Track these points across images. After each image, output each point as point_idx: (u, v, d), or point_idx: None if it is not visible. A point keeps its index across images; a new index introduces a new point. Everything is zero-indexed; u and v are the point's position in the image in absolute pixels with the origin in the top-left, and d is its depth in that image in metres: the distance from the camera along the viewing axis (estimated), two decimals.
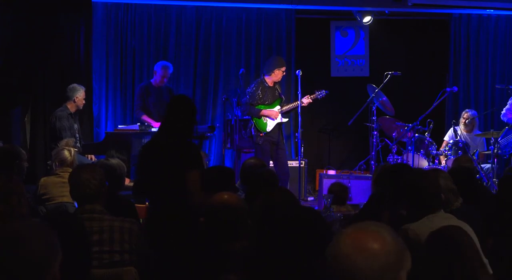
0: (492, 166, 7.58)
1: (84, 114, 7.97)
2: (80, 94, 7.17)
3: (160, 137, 4.19)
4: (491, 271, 2.73)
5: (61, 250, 1.89)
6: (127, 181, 5.45)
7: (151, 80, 7.86)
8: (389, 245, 1.57)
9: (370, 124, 7.93)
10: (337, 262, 1.57)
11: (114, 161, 4.43)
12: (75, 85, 7.22)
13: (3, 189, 3.00)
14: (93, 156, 7.15)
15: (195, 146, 4.29)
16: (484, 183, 7.12)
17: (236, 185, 4.87)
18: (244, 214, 2.69)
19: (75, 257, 2.28)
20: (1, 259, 1.80)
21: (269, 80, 7.36)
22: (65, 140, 5.91)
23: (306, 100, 7.45)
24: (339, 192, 5.39)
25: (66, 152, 5.08)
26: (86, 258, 2.71)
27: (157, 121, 7.51)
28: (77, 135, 7.15)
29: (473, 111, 8.56)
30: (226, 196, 2.71)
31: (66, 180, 3.49)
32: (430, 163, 7.76)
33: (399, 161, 7.74)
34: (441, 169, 6.51)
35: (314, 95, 7.53)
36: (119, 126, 7.94)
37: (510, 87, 8.64)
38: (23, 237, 1.84)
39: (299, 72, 7.38)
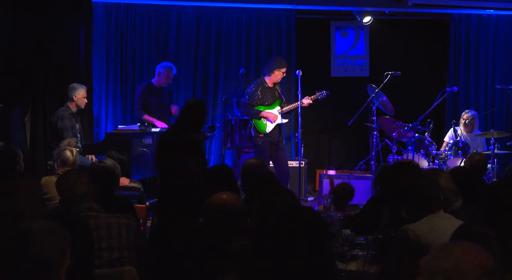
0: (492, 166, 7.57)
1: (84, 114, 7.96)
2: (79, 93, 7.15)
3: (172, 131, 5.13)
4: None
5: (70, 255, 1.93)
6: (127, 182, 5.44)
7: (152, 80, 7.84)
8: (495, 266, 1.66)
9: (370, 124, 7.93)
10: (442, 256, 1.65)
11: (108, 162, 4.41)
12: (74, 84, 7.21)
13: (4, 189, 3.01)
14: (93, 156, 7.13)
15: (196, 136, 5.03)
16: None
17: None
18: (243, 214, 2.69)
19: (81, 256, 2.29)
20: (12, 255, 1.86)
21: (269, 80, 7.33)
22: (67, 140, 5.90)
23: (306, 101, 7.41)
24: (340, 194, 5.26)
25: (68, 152, 5.08)
26: (92, 257, 2.72)
27: (159, 120, 7.51)
28: (79, 135, 7.14)
29: (473, 112, 8.55)
30: (224, 196, 2.70)
31: None
32: (430, 163, 7.75)
33: (400, 158, 7.70)
34: (441, 169, 6.50)
35: (314, 96, 7.49)
36: (119, 126, 7.92)
37: (510, 87, 8.64)
38: (37, 238, 1.88)
39: (299, 72, 7.35)
